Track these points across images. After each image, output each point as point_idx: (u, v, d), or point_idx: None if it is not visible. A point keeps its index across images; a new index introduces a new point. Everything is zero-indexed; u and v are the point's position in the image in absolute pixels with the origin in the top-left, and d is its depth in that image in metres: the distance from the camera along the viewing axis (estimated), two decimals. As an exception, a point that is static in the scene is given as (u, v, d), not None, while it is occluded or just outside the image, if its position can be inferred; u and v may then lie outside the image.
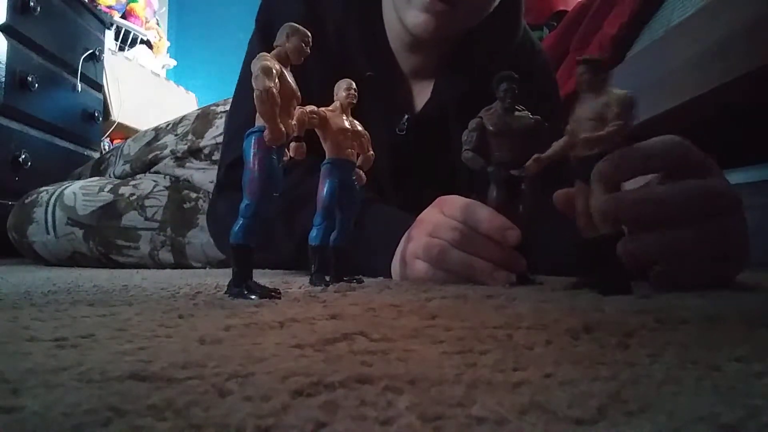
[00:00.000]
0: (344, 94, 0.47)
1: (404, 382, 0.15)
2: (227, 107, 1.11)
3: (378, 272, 0.55)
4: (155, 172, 1.08)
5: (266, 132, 0.34)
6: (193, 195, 1.02)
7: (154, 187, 1.01)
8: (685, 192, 0.38)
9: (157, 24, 2.64)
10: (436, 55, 0.74)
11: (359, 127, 0.48)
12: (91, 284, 0.48)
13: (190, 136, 1.09)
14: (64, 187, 1.00)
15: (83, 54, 1.61)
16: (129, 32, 2.37)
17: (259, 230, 0.35)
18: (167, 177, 1.06)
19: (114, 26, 2.25)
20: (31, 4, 1.33)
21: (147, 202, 0.98)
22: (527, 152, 0.44)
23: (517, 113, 0.48)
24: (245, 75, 0.73)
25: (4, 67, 1.26)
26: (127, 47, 2.37)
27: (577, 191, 0.41)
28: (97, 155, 1.64)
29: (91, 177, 1.20)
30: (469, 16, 0.69)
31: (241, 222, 0.35)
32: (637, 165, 0.39)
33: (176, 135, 1.11)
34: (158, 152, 1.09)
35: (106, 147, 1.88)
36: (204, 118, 1.12)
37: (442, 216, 0.50)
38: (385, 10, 0.73)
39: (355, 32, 0.72)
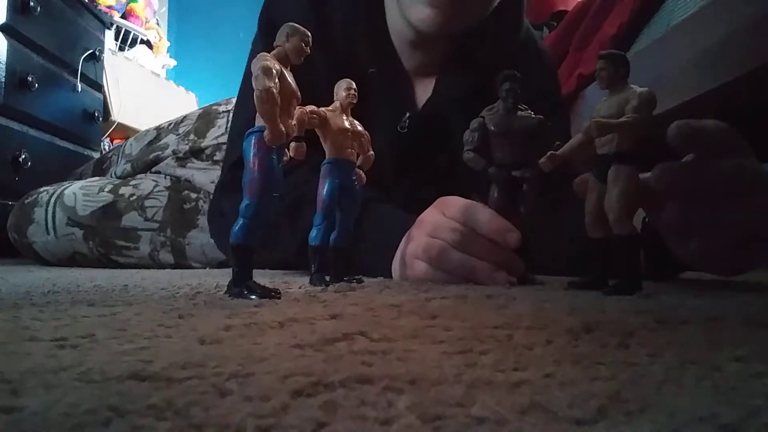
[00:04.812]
0: (344, 94, 0.47)
1: (404, 382, 0.15)
2: (229, 107, 1.11)
3: (378, 272, 0.55)
4: (156, 172, 1.08)
5: (266, 132, 0.34)
6: (193, 195, 1.02)
7: (154, 187, 1.01)
8: (733, 170, 0.39)
9: (157, 24, 2.64)
10: (439, 53, 0.74)
11: (359, 127, 0.48)
12: (91, 284, 0.48)
13: (191, 136, 1.09)
14: (64, 187, 1.00)
15: (83, 54, 1.61)
16: (129, 32, 2.36)
17: (259, 230, 0.35)
18: (167, 177, 1.05)
19: (114, 26, 2.25)
20: (31, 4, 1.33)
21: (147, 203, 0.98)
22: (528, 153, 0.44)
23: (519, 113, 0.48)
24: (249, 75, 0.73)
25: (4, 67, 1.26)
26: (127, 47, 2.37)
27: (589, 189, 0.41)
28: (97, 155, 1.64)
29: (92, 176, 1.20)
30: (474, 10, 0.68)
31: (241, 222, 0.35)
32: (703, 137, 0.40)
33: (178, 135, 1.11)
34: (160, 152, 1.09)
35: (106, 147, 1.88)
36: (206, 117, 1.12)
37: (442, 217, 0.50)
38: (388, 6, 0.73)
39: (358, 29, 0.72)
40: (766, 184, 0.40)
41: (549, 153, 0.42)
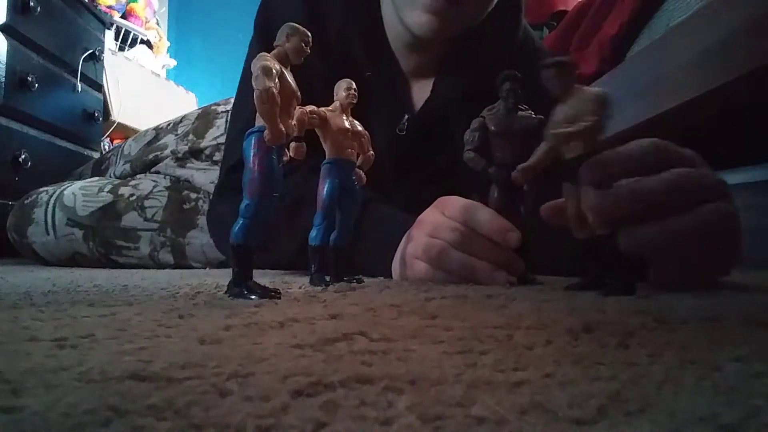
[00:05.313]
0: (344, 94, 0.47)
1: (404, 382, 0.15)
2: (228, 107, 1.11)
3: (378, 272, 0.55)
4: (155, 172, 1.08)
5: (266, 132, 0.34)
6: (193, 195, 1.02)
7: (153, 187, 1.01)
8: (667, 181, 0.38)
9: (157, 24, 2.64)
10: (436, 55, 0.74)
11: (359, 127, 0.48)
12: (91, 284, 0.48)
13: (190, 137, 1.09)
14: (63, 187, 1.00)
15: (83, 54, 1.61)
16: (129, 32, 2.37)
17: (259, 230, 0.35)
18: (167, 177, 1.06)
19: (114, 26, 2.25)
20: (31, 4, 1.33)
21: (147, 203, 0.98)
22: (529, 153, 0.44)
23: (520, 113, 0.48)
24: (246, 78, 0.73)
25: (4, 67, 1.26)
26: (127, 47, 2.37)
27: (566, 194, 0.41)
28: (97, 155, 1.64)
29: (92, 177, 1.20)
30: (471, 13, 0.68)
31: (241, 222, 0.35)
32: (617, 167, 0.38)
33: (176, 135, 1.11)
34: (159, 152, 1.09)
35: (106, 147, 1.88)
36: (204, 117, 1.12)
37: (442, 216, 0.50)
38: (384, 9, 0.73)
39: (354, 32, 0.72)
40: (719, 188, 0.39)
41: (519, 166, 0.43)
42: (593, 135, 0.38)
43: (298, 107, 0.39)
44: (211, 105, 1.17)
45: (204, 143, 1.07)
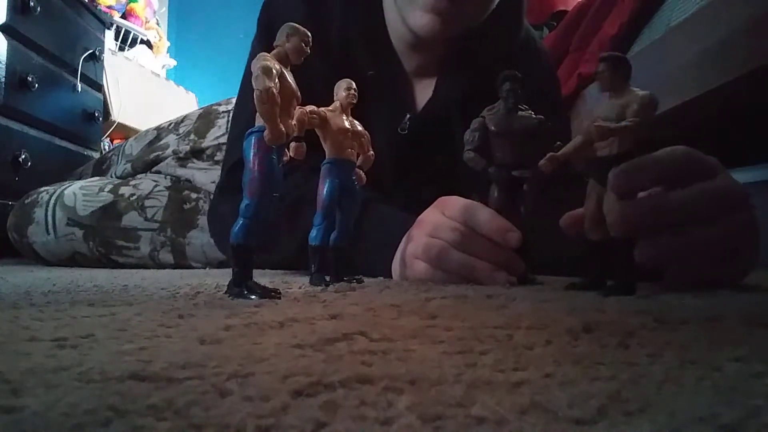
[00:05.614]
0: (344, 94, 0.47)
1: (404, 382, 0.15)
2: (229, 107, 1.11)
3: (378, 272, 0.55)
4: (156, 172, 1.08)
5: (266, 132, 0.34)
6: (194, 195, 1.02)
7: (154, 187, 1.01)
8: (694, 196, 0.38)
9: (157, 24, 2.64)
10: (439, 54, 0.74)
11: (359, 127, 0.48)
12: (91, 284, 0.48)
13: (192, 136, 1.09)
14: (64, 187, 1.00)
15: (83, 54, 1.61)
16: (129, 32, 2.37)
17: (259, 230, 0.35)
18: (168, 177, 1.06)
19: (114, 26, 2.25)
20: (31, 4, 1.33)
21: (147, 203, 0.98)
22: (529, 153, 0.44)
23: (520, 113, 0.48)
24: (248, 78, 0.73)
25: (4, 67, 1.26)
26: (127, 47, 2.37)
27: (589, 191, 0.41)
28: (97, 155, 1.64)
29: (92, 176, 1.20)
30: (473, 13, 0.69)
31: (241, 222, 0.35)
32: (648, 175, 0.39)
33: (178, 135, 1.11)
34: (160, 152, 1.09)
35: (106, 147, 1.88)
36: (206, 117, 1.12)
37: (442, 216, 0.50)
38: (386, 9, 0.73)
39: (355, 32, 0.72)
40: (741, 199, 0.40)
41: (549, 155, 0.42)
42: (631, 136, 0.38)
43: (298, 107, 0.39)
44: (212, 105, 1.17)
45: (205, 143, 1.07)
